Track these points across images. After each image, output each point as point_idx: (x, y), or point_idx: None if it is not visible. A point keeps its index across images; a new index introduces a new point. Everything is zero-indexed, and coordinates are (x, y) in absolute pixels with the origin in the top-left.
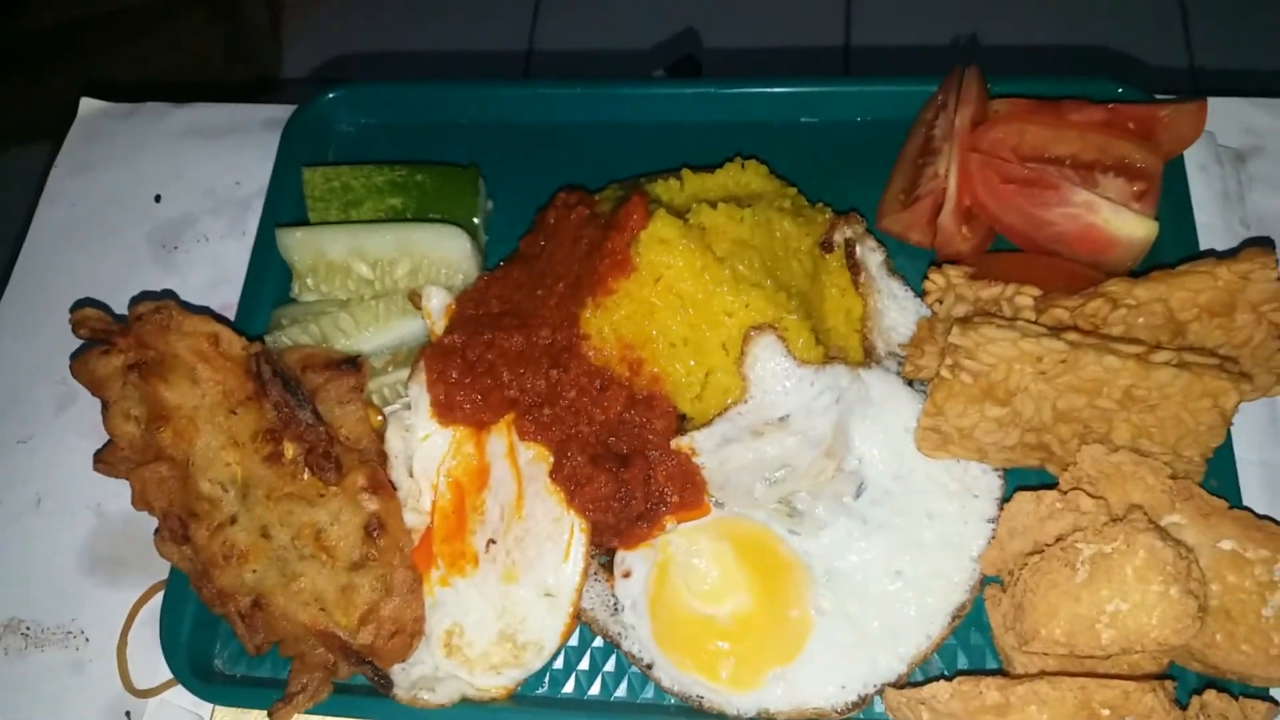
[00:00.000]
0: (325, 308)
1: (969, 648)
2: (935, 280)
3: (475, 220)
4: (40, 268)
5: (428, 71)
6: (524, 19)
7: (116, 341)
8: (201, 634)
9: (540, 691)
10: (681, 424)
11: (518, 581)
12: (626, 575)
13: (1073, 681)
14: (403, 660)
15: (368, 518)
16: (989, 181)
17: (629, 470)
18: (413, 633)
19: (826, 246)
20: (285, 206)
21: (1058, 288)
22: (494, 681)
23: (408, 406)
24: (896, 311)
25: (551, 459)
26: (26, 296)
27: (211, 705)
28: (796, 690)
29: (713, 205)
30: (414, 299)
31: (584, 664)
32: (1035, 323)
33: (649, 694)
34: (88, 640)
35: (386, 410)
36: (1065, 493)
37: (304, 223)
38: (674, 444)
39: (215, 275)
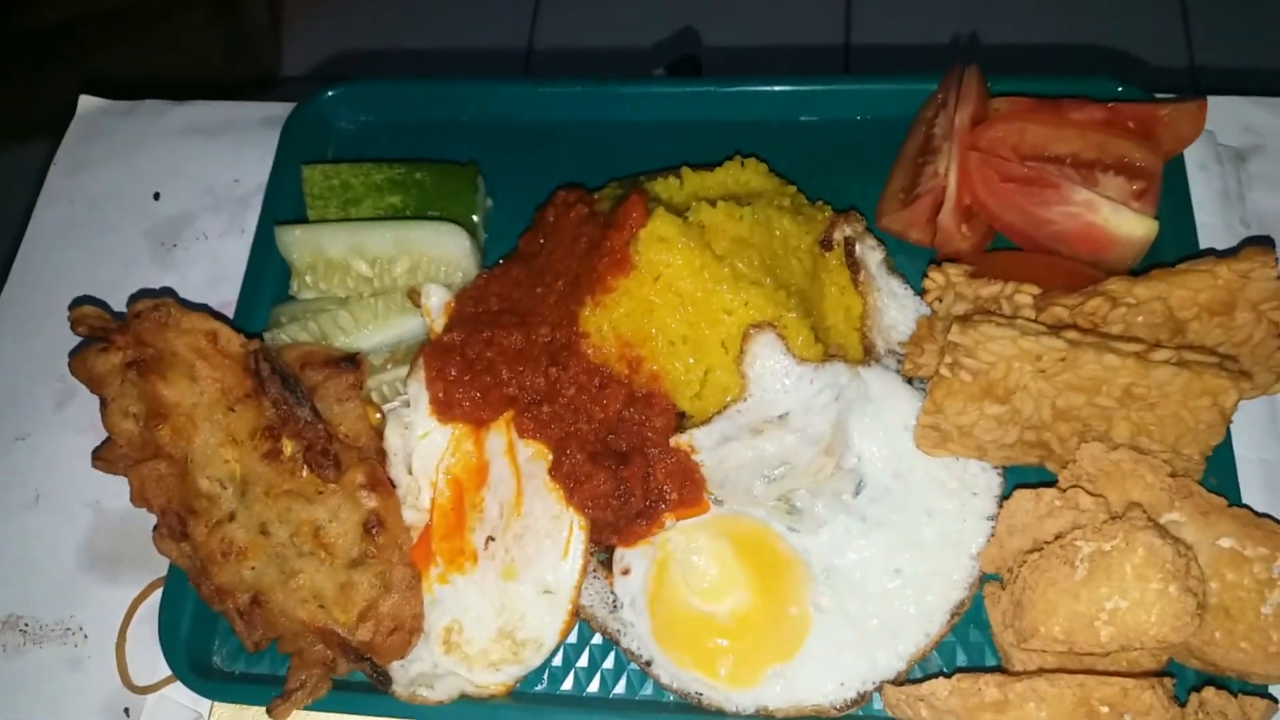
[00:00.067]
0: (324, 305)
1: (968, 645)
2: (935, 278)
3: (474, 218)
4: (39, 265)
5: (427, 69)
6: (524, 17)
7: (115, 339)
8: (200, 631)
9: (539, 688)
10: (681, 422)
11: (517, 579)
12: (625, 572)
13: (1071, 679)
14: (401, 657)
15: (366, 515)
16: (989, 180)
17: (628, 468)
18: (412, 630)
19: (826, 245)
20: (284, 204)
21: (1057, 286)
22: (493, 678)
23: (407, 404)
24: (896, 309)
25: (550, 456)
26: (25, 294)
27: (210, 702)
28: (795, 687)
29: (712, 203)
30: (413, 297)
31: (583, 661)
32: (1035, 321)
33: (648, 691)
34: (86, 637)
35: (385, 408)
36: (1064, 490)
37: (303, 220)
38: (673, 442)
39: (214, 273)
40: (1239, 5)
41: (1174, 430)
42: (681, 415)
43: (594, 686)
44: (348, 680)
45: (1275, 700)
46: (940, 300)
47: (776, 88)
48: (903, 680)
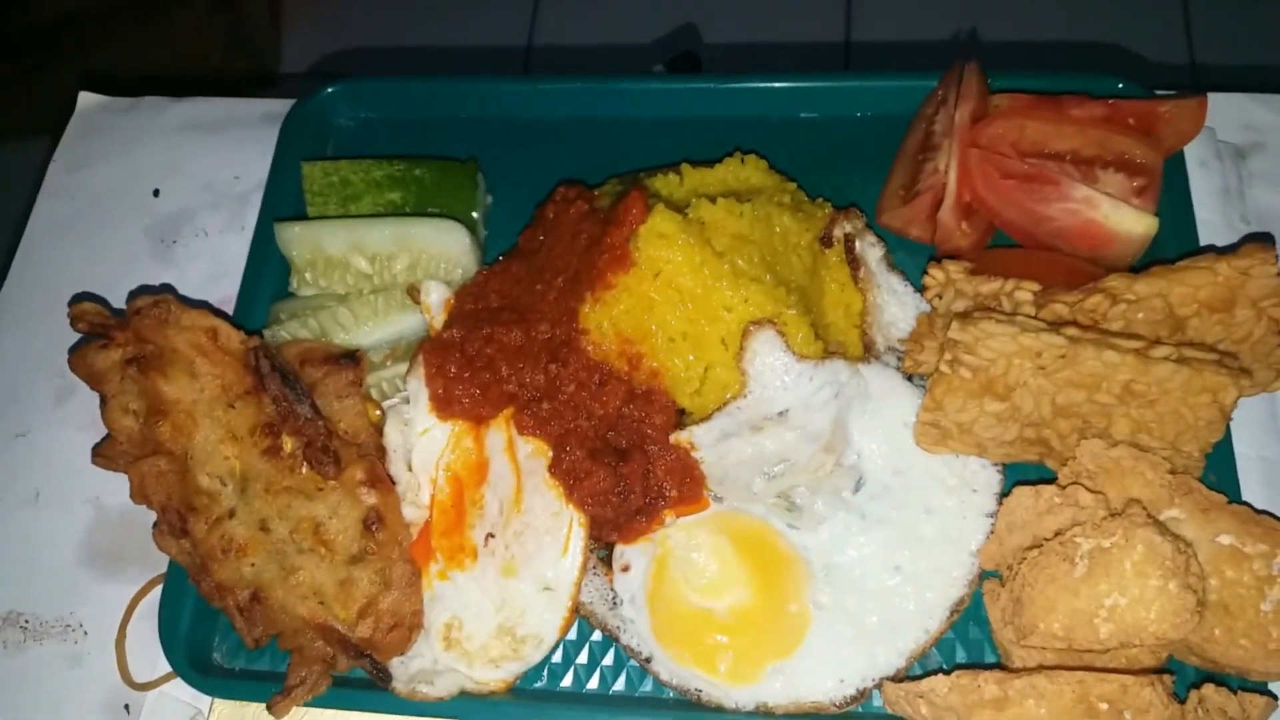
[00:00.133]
0: (324, 302)
1: (967, 642)
2: (935, 275)
3: (474, 215)
4: (39, 262)
5: (427, 66)
6: (523, 14)
7: (115, 335)
8: (200, 627)
9: (539, 685)
10: (680, 419)
11: (516, 575)
12: (625, 569)
13: (1071, 675)
14: (401, 653)
15: (366, 511)
16: (989, 177)
17: (628, 465)
18: (411, 626)
19: (826, 241)
20: (284, 201)
21: (1057, 283)
22: (493, 675)
23: (406, 401)
24: (896, 306)
25: (550, 453)
26: (25, 291)
27: (210, 698)
28: (795, 684)
29: (712, 200)
30: (413, 294)
31: (582, 657)
32: (1035, 318)
33: (647, 687)
34: (86, 633)
35: (385, 404)
36: (1064, 487)
37: (303, 217)
38: (673, 439)
39: (214, 269)
40: (1240, 3)
41: (1174, 427)
42: (681, 412)
43: (594, 683)
44: (348, 677)
45: (1275, 697)
46: (940, 297)
47: (776, 84)
48: (902, 677)
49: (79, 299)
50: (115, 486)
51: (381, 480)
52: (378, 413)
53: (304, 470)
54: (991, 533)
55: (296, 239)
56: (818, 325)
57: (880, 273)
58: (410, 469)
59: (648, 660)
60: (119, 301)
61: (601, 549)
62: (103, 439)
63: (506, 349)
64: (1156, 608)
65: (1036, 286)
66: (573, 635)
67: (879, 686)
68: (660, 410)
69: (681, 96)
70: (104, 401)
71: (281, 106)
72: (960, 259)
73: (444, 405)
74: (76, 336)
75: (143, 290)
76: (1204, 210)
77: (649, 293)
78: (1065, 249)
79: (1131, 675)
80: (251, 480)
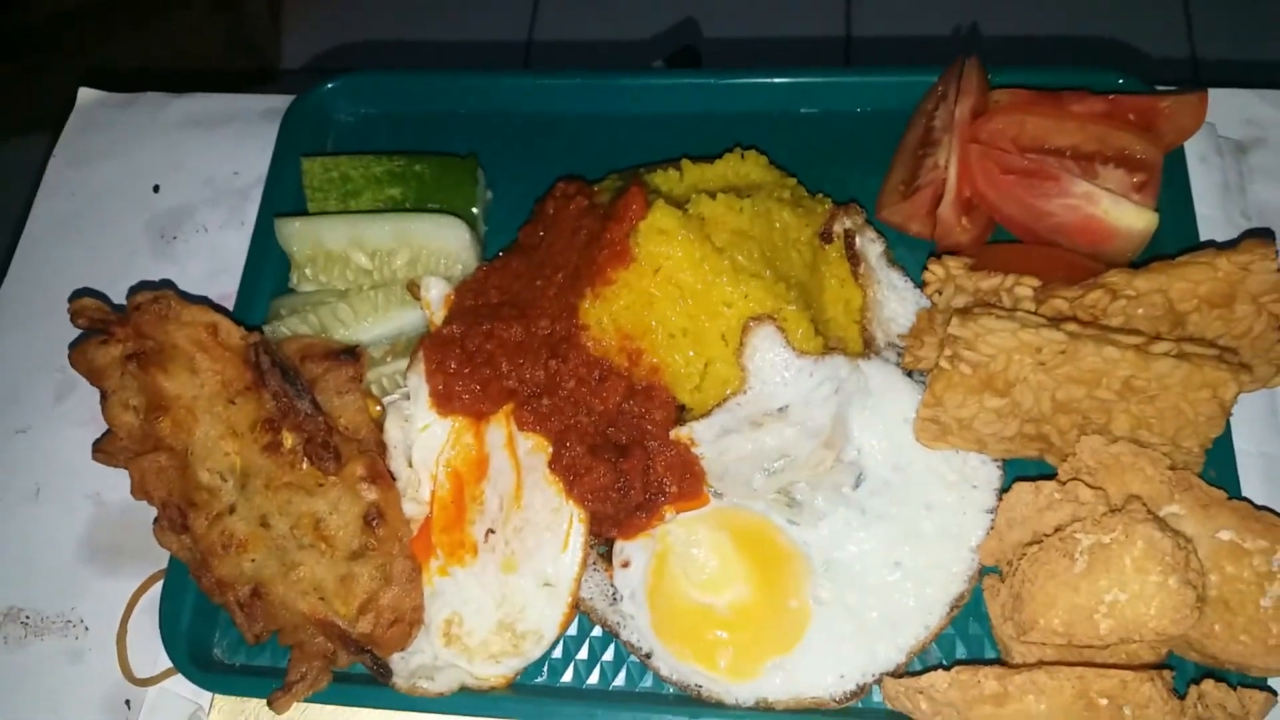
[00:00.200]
0: (324, 298)
1: (967, 638)
2: (935, 271)
3: (474, 210)
4: (39, 258)
5: (427, 62)
6: (524, 9)
7: (115, 331)
8: (201, 623)
9: (539, 680)
10: (680, 414)
11: (517, 571)
12: (625, 565)
13: (1071, 671)
14: (402, 649)
15: (367, 507)
16: (989, 172)
17: (628, 460)
18: (412, 622)
19: (826, 237)
20: (284, 196)
21: (1057, 279)
22: (493, 670)
23: (406, 396)
24: (896, 302)
25: (550, 449)
26: (25, 287)
27: (211, 694)
28: (795, 680)
29: (712, 196)
30: (413, 289)
31: (583, 653)
32: (1035, 314)
33: (647, 683)
34: (87, 629)
35: (385, 400)
36: (1064, 483)
37: (303, 213)
38: (673, 434)
39: (214, 265)
40: None
41: (1174, 423)
42: (681, 408)
43: (594, 679)
44: (348, 672)
45: (1274, 693)
46: (940, 293)
47: (776, 80)
48: (902, 673)
49: (79, 295)
50: (116, 482)
51: (382, 476)
52: (378, 408)
53: (304, 466)
54: (991, 528)
55: (297, 235)
56: (818, 321)
57: (880, 268)
58: (410, 465)
59: (648, 656)
60: (119, 297)
61: (601, 545)
62: (103, 435)
63: (507, 345)
64: (1156, 603)
65: (1036, 282)
66: (573, 631)
67: (879, 682)
68: (660, 406)
69: (681, 92)
70: (104, 397)
71: (281, 102)
72: (960, 254)
73: (444, 401)
74: (77, 332)
75: (143, 286)
76: (1204, 206)
77: (649, 288)
78: (1065, 244)
79: (1131, 671)
80: (252, 476)
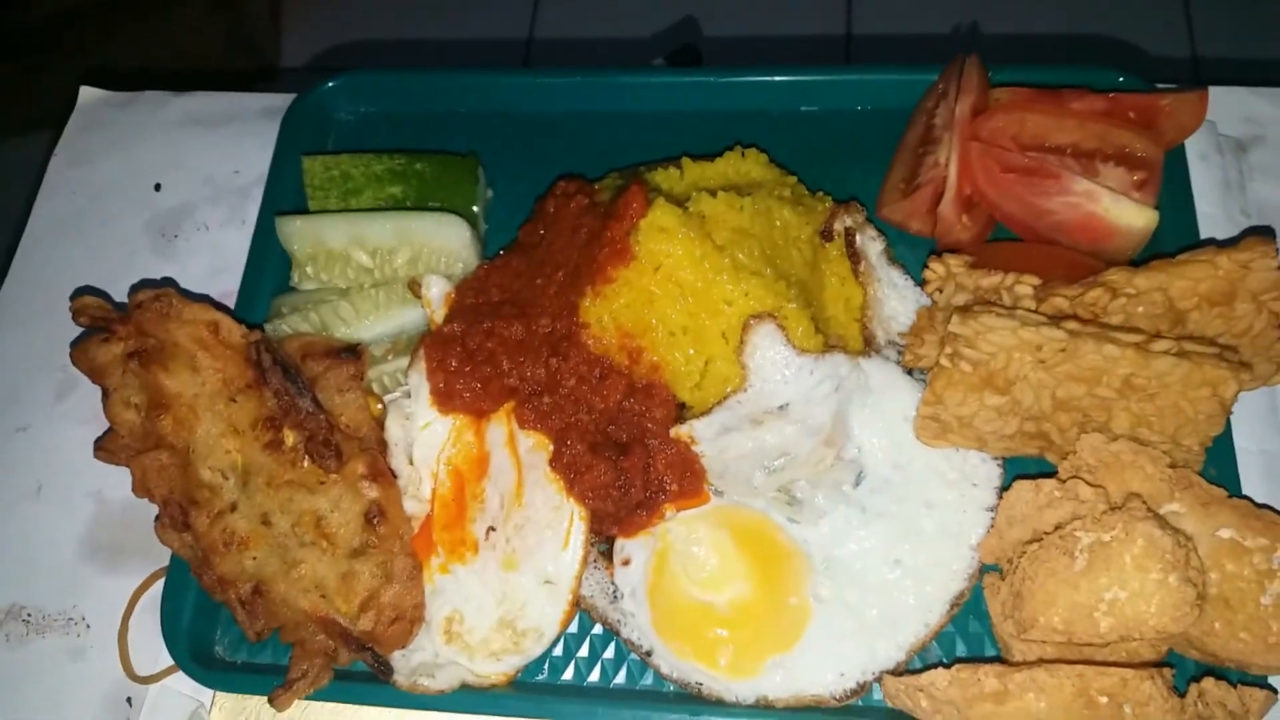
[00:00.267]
0: (325, 296)
1: (967, 636)
2: (935, 269)
3: (475, 209)
4: (40, 257)
5: (427, 60)
6: (524, 7)
7: (116, 329)
8: (202, 621)
9: (540, 678)
10: (681, 412)
11: (517, 569)
12: (626, 563)
13: (1071, 669)
14: (403, 647)
15: (368, 505)
16: (989, 170)
17: (628, 458)
18: (413, 619)
19: (826, 235)
20: (285, 195)
21: (1058, 276)
22: (494, 668)
23: (408, 394)
24: (896, 300)
25: (551, 447)
26: (26, 285)
27: (212, 691)
28: (795, 678)
29: (712, 194)
30: (414, 287)
31: (583, 651)
32: (1035, 311)
33: (648, 681)
34: (89, 627)
35: (386, 398)
36: (1064, 481)
37: (304, 211)
38: (673, 432)
39: (215, 264)
40: None
41: (1174, 421)
42: (682, 406)
43: (594, 676)
44: (349, 670)
45: (1275, 691)
46: (940, 291)
47: (777, 78)
48: (902, 671)
49: (80, 293)
50: (117, 480)
51: (383, 474)
52: (379, 407)
53: (305, 464)
54: (992, 526)
55: (297, 233)
56: (818, 319)
57: (881, 266)
58: (411, 463)
59: (648, 654)
60: (120, 296)
61: (602, 543)
62: (104, 433)
63: (507, 343)
64: (1156, 601)
65: (1037, 280)
66: (573, 629)
67: (879, 680)
68: (661, 404)
69: (682, 90)
70: (106, 395)
71: (282, 101)
72: (960, 253)
73: (445, 399)
74: (78, 331)
75: (144, 284)
76: (1204, 204)
77: (649, 287)
78: (1065, 243)
79: (1131, 669)
80: (253, 474)
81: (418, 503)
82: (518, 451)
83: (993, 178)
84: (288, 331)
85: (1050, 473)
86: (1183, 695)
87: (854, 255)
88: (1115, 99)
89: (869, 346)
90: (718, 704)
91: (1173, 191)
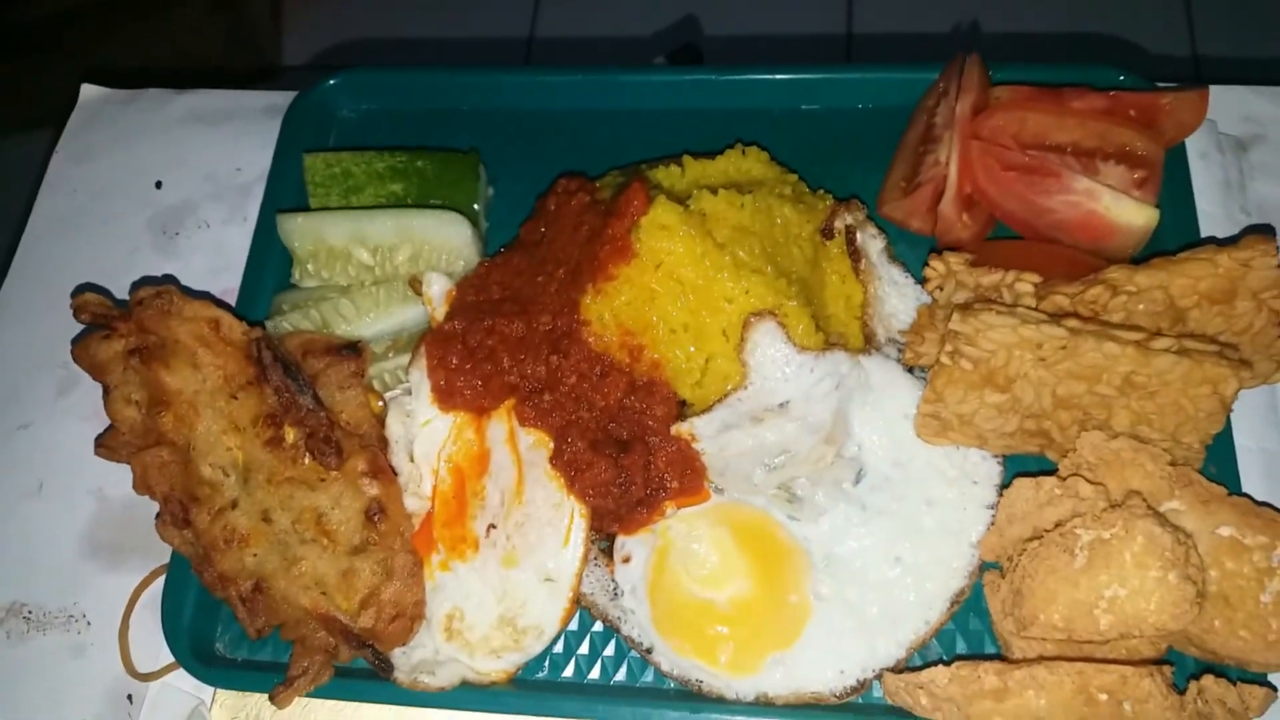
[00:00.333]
0: (326, 293)
1: (968, 633)
2: (936, 267)
3: (476, 206)
4: (41, 254)
5: (429, 58)
6: (525, 6)
7: (117, 326)
8: (203, 618)
9: (540, 675)
10: (681, 410)
11: (518, 566)
12: (626, 560)
13: (1070, 666)
14: (403, 644)
15: (368, 502)
16: (990, 169)
17: (629, 456)
18: (413, 616)
19: (827, 233)
20: (286, 192)
21: (1058, 274)
22: (494, 665)
23: (408, 392)
24: (897, 298)
25: (551, 445)
26: (28, 283)
27: (213, 689)
28: (795, 675)
29: (713, 192)
30: (414, 285)
31: (584, 648)
32: (1035, 309)
33: (648, 678)
34: (89, 624)
35: (387, 395)
36: (1064, 479)
37: (305, 209)
38: (674, 430)
39: (216, 261)
40: None
41: (1174, 419)
42: (682, 403)
43: (595, 674)
44: (350, 667)
45: (1274, 688)
46: (941, 289)
47: (778, 76)
48: (902, 668)
49: (82, 290)
50: (118, 478)
51: (383, 471)
52: (380, 404)
53: (306, 461)
54: (992, 524)
55: (299, 230)
56: (819, 317)
57: (881, 264)
58: (412, 460)
59: (649, 651)
60: (122, 293)
61: (602, 540)
62: (105, 430)
63: (508, 340)
64: (1156, 599)
65: (1037, 278)
66: (574, 626)
67: (879, 677)
68: (661, 402)
69: (683, 88)
70: (107, 392)
71: (283, 98)
72: (961, 251)
73: (446, 397)
74: (79, 328)
75: (145, 282)
76: (1205, 202)
77: (650, 284)
78: (1066, 241)
79: (1131, 666)
80: (254, 471)
81: (418, 500)
82: (518, 449)
83: (993, 176)
84: (289, 329)
85: (1050, 470)
86: (1182, 693)
87: (854, 253)
88: (1116, 97)
89: (869, 344)
90: (718, 701)
91: (1173, 190)
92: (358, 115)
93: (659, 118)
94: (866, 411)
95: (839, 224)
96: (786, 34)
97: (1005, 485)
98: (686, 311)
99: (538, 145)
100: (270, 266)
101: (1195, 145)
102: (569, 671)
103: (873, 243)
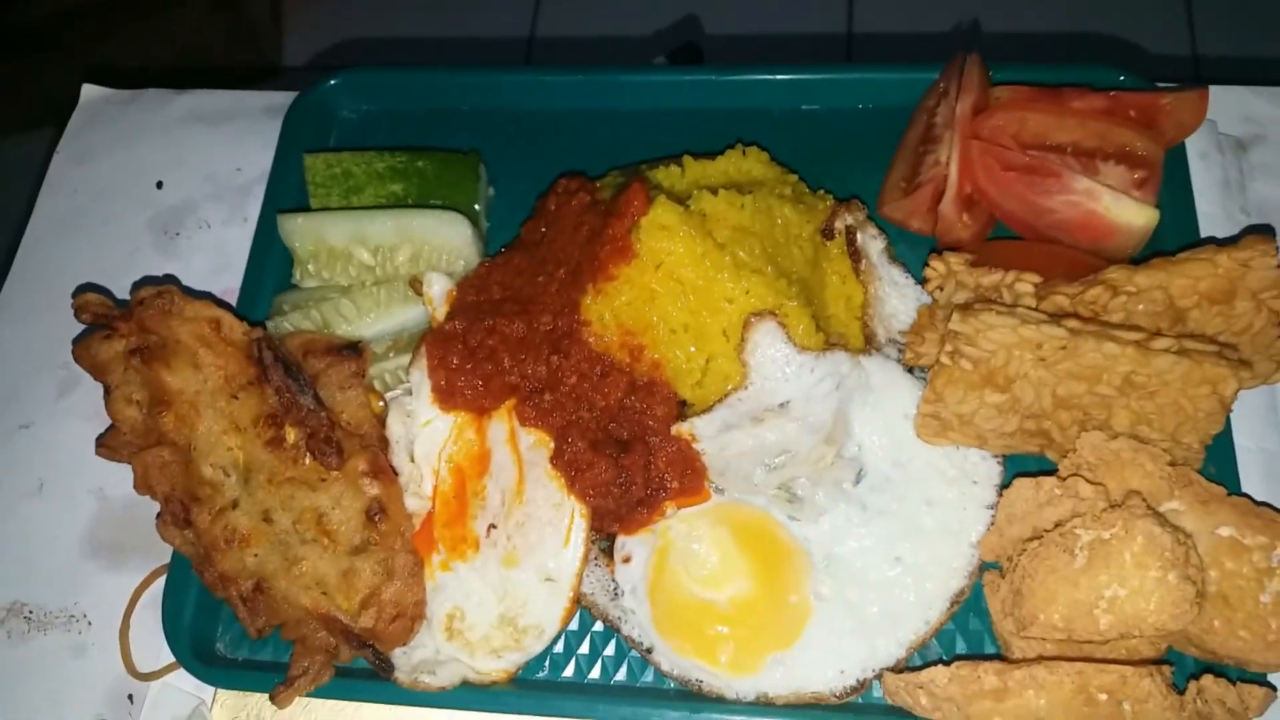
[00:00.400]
0: (326, 294)
1: (967, 633)
2: (936, 267)
3: (476, 206)
4: (42, 255)
5: (429, 58)
6: (526, 5)
7: (118, 326)
8: (203, 618)
9: (540, 675)
10: (682, 410)
11: (518, 566)
12: (626, 560)
13: (1070, 666)
14: (404, 644)
15: (369, 502)
16: (990, 169)
17: (629, 456)
18: (414, 616)
19: (827, 233)
20: (287, 193)
21: (1058, 274)
22: (495, 665)
23: (409, 392)
24: (897, 298)
25: (552, 445)
26: (28, 283)
27: (213, 688)
28: (795, 675)
29: (713, 192)
30: (415, 285)
31: (584, 648)
32: (1035, 309)
33: (649, 678)
34: (90, 624)
35: (388, 396)
36: (1064, 479)
37: (305, 209)
38: (674, 430)
39: (217, 261)
40: None
41: (1174, 419)
42: (683, 403)
43: (595, 673)
44: (350, 667)
45: (1273, 688)
46: (941, 289)
47: (778, 76)
48: (902, 668)
49: (82, 290)
50: (119, 477)
51: (384, 471)
52: (380, 404)
53: (307, 461)
54: (991, 524)
55: (299, 231)
56: (819, 317)
57: (881, 265)
58: (413, 460)
59: (649, 651)
60: (122, 293)
61: (603, 540)
62: (106, 430)
63: (508, 340)
64: (1156, 599)
65: (1037, 278)
66: (574, 626)
67: (879, 677)
68: (662, 402)
69: (683, 88)
70: (107, 392)
71: (284, 98)
72: (961, 251)
73: (446, 397)
74: (80, 328)
75: (146, 282)
76: (1204, 202)
77: (650, 284)
78: (1066, 241)
79: (1131, 666)
80: (254, 471)
81: (419, 500)
82: (519, 449)
83: (993, 176)
84: (289, 329)
85: (1050, 470)
86: (1182, 692)
87: (855, 253)
88: (1116, 98)
89: (870, 344)
90: (718, 701)
91: (1173, 190)
92: (358, 115)
93: (659, 118)
94: (867, 412)
95: (839, 224)
96: (787, 34)
97: (1005, 485)
98: (687, 311)
99: (538, 145)
100: (271, 267)
101: (1195, 145)
102: (569, 671)
103: (873, 243)
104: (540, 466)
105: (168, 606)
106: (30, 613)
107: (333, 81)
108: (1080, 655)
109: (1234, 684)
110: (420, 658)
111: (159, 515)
